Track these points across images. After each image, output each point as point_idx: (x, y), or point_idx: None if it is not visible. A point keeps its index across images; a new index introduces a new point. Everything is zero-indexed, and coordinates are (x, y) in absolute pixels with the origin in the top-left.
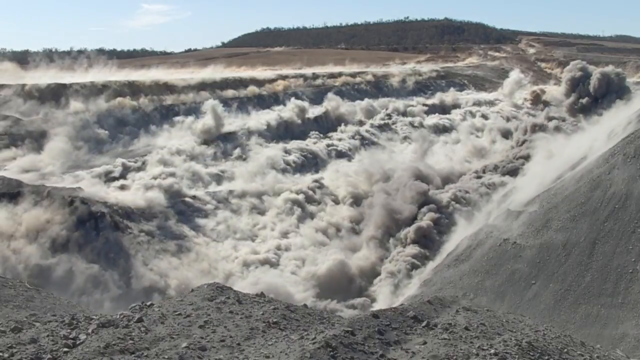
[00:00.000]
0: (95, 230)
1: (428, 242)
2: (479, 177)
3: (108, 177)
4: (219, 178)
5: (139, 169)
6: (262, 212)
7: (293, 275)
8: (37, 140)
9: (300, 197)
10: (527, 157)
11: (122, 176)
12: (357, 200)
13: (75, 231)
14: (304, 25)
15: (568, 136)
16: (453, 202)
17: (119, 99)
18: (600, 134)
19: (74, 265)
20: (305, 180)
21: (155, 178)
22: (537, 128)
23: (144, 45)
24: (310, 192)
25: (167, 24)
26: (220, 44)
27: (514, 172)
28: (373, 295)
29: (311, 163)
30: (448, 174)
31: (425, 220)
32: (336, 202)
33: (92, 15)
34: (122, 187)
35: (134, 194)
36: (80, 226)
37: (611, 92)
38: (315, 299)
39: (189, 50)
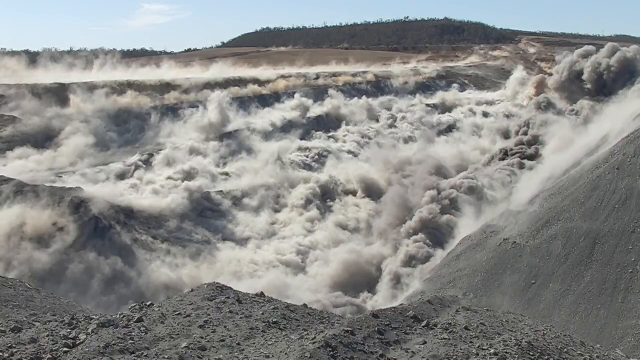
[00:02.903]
0: (96, 230)
1: (435, 230)
2: (491, 161)
3: (119, 177)
4: (230, 176)
5: (150, 168)
6: (278, 210)
7: (307, 276)
8: (48, 139)
9: (317, 189)
10: (537, 140)
11: (133, 175)
12: (371, 191)
13: (75, 231)
14: (304, 25)
15: (582, 121)
16: (464, 184)
17: (128, 97)
18: (619, 119)
19: (70, 267)
20: (315, 176)
21: (168, 178)
22: (542, 105)
23: (144, 45)
24: (326, 185)
25: (167, 24)
26: (220, 44)
27: (530, 158)
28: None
29: (318, 161)
30: (460, 166)
31: (427, 208)
32: (351, 193)
33: (92, 15)
34: (134, 187)
35: (147, 197)
36: (80, 226)
37: (613, 82)
38: (330, 295)
39: (189, 50)
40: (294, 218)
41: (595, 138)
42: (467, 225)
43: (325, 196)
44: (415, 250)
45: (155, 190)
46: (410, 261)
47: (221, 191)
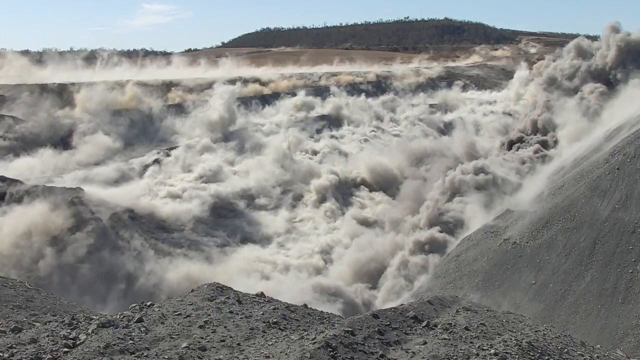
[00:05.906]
0: (95, 231)
1: (444, 223)
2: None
3: (131, 177)
4: (241, 174)
5: (165, 168)
6: (295, 205)
7: (325, 276)
8: (61, 140)
9: (334, 177)
10: (545, 127)
11: (140, 176)
12: (386, 182)
13: (73, 233)
14: (304, 25)
15: (597, 105)
16: (469, 170)
17: (136, 96)
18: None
19: (77, 270)
20: (328, 167)
21: (189, 181)
22: (548, 85)
23: (144, 45)
24: (340, 177)
25: (167, 24)
26: (220, 44)
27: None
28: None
29: (322, 161)
30: (474, 158)
31: (434, 199)
32: (364, 184)
33: (92, 15)
34: (148, 187)
35: (166, 200)
36: (77, 227)
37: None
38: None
39: (189, 50)
40: (313, 212)
41: (613, 123)
42: (477, 214)
43: (340, 189)
44: (415, 244)
45: (175, 194)
46: (410, 255)
47: (237, 190)
